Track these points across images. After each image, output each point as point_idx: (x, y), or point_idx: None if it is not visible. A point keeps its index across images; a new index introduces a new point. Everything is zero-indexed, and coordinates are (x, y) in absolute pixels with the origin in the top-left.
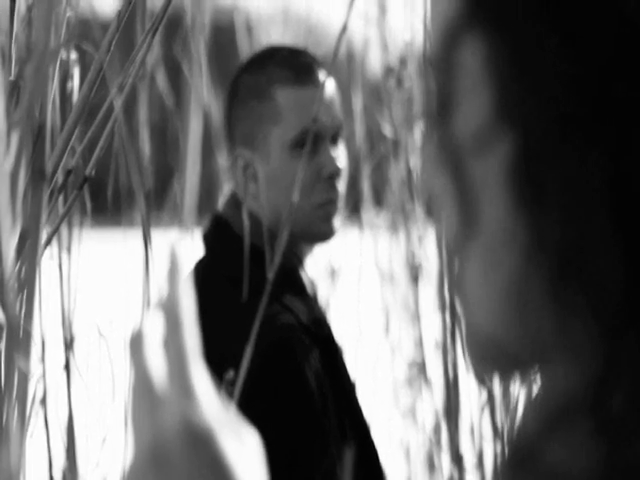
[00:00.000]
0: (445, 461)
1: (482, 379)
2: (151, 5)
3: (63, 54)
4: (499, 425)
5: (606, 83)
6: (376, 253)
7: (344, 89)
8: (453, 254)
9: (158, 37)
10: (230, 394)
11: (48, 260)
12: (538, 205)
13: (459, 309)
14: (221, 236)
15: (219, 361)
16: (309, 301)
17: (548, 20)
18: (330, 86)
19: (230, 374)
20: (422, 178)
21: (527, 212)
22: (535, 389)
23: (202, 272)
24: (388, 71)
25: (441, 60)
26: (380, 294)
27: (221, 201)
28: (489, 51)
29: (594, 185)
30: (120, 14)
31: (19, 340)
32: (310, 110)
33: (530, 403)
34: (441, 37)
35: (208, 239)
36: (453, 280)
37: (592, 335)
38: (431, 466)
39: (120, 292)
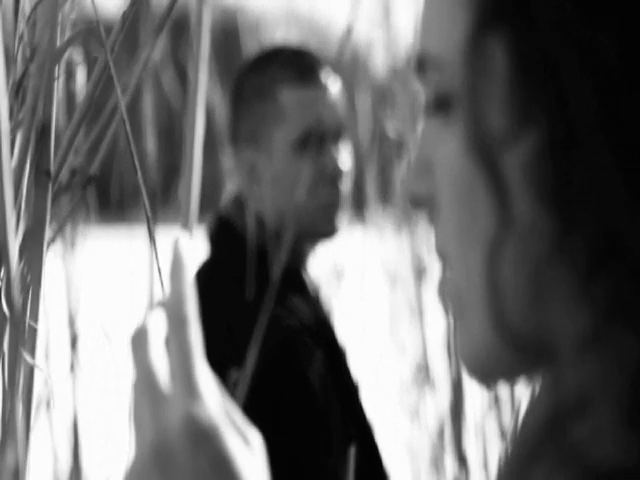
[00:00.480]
0: (450, 462)
1: (484, 379)
2: (157, 5)
3: (68, 54)
4: (505, 426)
5: (631, 80)
6: (381, 253)
7: (349, 90)
8: (486, 248)
9: (166, 37)
10: (233, 394)
11: (53, 259)
12: (565, 200)
13: (486, 300)
14: (225, 237)
15: (222, 361)
16: (312, 302)
17: (572, 18)
18: (334, 86)
19: (233, 375)
20: (404, 184)
21: (554, 206)
22: (540, 390)
23: (206, 273)
24: (393, 72)
25: (465, 61)
26: (385, 294)
27: (224, 201)
28: (513, 49)
29: (621, 179)
30: (125, 14)
31: (24, 338)
32: (313, 110)
33: (546, 396)
34: (463, 39)
35: (212, 240)
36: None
37: (625, 330)
38: (436, 467)
39: (125, 290)
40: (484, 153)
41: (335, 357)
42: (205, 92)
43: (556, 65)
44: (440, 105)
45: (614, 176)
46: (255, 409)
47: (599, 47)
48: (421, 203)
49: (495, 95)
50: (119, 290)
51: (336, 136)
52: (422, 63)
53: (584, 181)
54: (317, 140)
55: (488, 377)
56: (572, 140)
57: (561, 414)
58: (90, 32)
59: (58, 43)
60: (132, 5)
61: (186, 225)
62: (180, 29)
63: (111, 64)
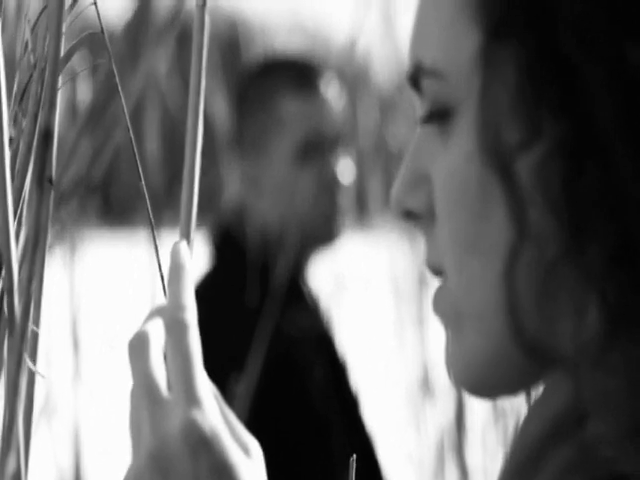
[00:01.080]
0: (452, 473)
1: (479, 392)
2: (160, 14)
3: (72, 61)
4: (507, 436)
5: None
6: (385, 264)
7: (352, 100)
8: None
9: (170, 45)
10: (232, 405)
11: (55, 265)
12: (579, 206)
13: (501, 307)
14: (225, 247)
15: (221, 372)
16: (311, 312)
17: (594, 26)
18: (334, 97)
19: (233, 385)
20: (395, 198)
21: (567, 213)
22: (542, 397)
23: (207, 283)
24: (396, 82)
25: (475, 71)
26: (389, 305)
27: (225, 210)
28: (525, 58)
29: (638, 186)
30: (129, 23)
31: (26, 345)
32: (312, 121)
33: (549, 403)
34: (471, 49)
35: (213, 250)
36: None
37: (635, 337)
38: (438, 478)
39: (128, 295)
40: (499, 162)
41: (335, 368)
42: (203, 100)
43: (571, 73)
44: (438, 115)
45: (631, 183)
46: (254, 420)
47: (623, 56)
48: (413, 217)
49: (507, 104)
50: (121, 295)
51: (336, 146)
52: (417, 73)
53: (599, 188)
54: (316, 150)
55: (484, 390)
56: (587, 148)
57: (568, 420)
58: (94, 40)
59: (62, 50)
60: (136, 14)
61: (185, 234)
62: (185, 37)
63: (115, 72)
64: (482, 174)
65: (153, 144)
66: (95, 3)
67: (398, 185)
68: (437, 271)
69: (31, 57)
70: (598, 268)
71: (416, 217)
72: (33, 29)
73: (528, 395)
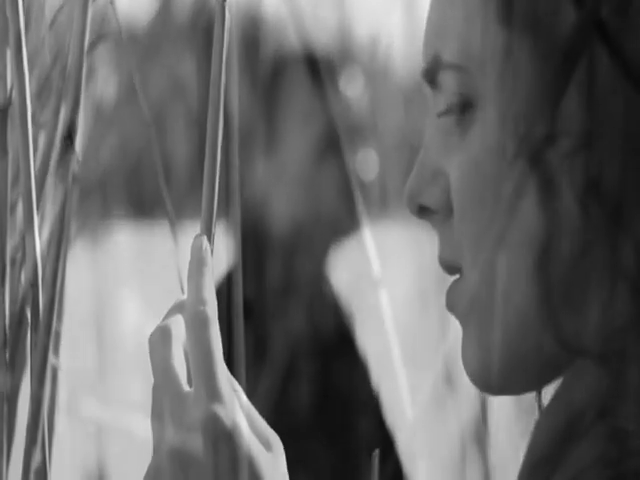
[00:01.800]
0: (476, 470)
1: (495, 390)
2: (184, 11)
3: (93, 56)
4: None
5: None
6: (406, 258)
7: (373, 94)
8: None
9: (198, 42)
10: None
11: (78, 259)
12: (610, 195)
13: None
14: (246, 243)
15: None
16: (332, 308)
17: (603, 19)
18: (355, 91)
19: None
20: (409, 189)
21: (598, 202)
22: (561, 391)
23: (227, 278)
24: (415, 78)
25: (499, 65)
26: (411, 301)
27: (245, 204)
28: (545, 51)
29: None
30: (152, 21)
31: (49, 341)
32: (332, 116)
33: (569, 398)
34: (494, 42)
35: (233, 246)
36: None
37: None
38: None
39: (150, 289)
40: (529, 153)
41: (356, 364)
42: (224, 95)
43: (593, 66)
44: (456, 108)
45: None
46: (275, 416)
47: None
48: (428, 213)
49: (532, 97)
50: (144, 289)
51: (356, 141)
52: (435, 67)
53: (628, 179)
54: (337, 145)
55: (501, 386)
56: (613, 140)
57: (589, 413)
58: (115, 36)
59: (86, 46)
60: (159, 12)
61: (206, 229)
62: (210, 33)
63: (134, 68)
64: (506, 166)
65: (179, 136)
66: (112, 1)
67: (412, 181)
68: (451, 268)
69: (48, 54)
70: (628, 258)
71: (431, 213)
72: (51, 26)
73: (539, 392)
